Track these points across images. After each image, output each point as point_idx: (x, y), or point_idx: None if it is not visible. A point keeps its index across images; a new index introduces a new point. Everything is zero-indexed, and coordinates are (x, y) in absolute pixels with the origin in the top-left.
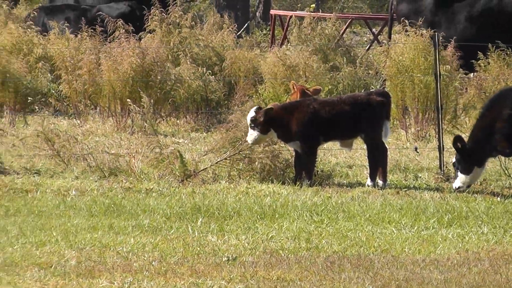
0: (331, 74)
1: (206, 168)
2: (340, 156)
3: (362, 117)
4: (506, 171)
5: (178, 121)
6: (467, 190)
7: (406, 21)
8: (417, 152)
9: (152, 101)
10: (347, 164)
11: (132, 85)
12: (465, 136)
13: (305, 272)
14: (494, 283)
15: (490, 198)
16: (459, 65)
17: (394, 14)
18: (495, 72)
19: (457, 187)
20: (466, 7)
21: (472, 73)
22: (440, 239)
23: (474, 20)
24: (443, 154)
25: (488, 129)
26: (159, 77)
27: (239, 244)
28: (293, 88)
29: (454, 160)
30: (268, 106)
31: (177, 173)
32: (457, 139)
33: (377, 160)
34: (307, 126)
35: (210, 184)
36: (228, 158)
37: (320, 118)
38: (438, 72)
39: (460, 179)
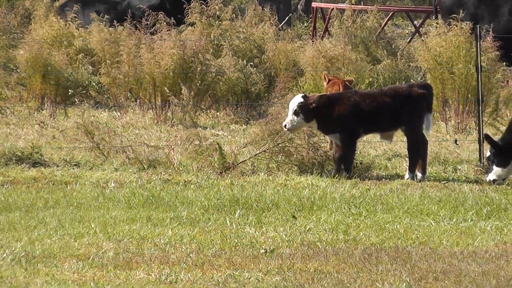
0: (372, 66)
1: (245, 160)
2: (379, 148)
3: (403, 110)
4: None
5: (217, 114)
6: (505, 183)
7: (437, 17)
8: (457, 144)
9: (192, 93)
10: (386, 157)
11: (173, 77)
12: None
13: (342, 264)
14: None
15: None
16: (499, 57)
17: (438, 7)
18: None
19: (492, 180)
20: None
21: None
22: (479, 231)
23: None
24: (483, 147)
25: None
26: (199, 69)
27: (277, 236)
28: (325, 79)
29: (489, 153)
30: (321, 93)
31: (215, 165)
32: (487, 138)
33: (417, 153)
34: (348, 119)
35: (248, 176)
36: (267, 151)
37: (361, 110)
38: (479, 64)
39: (496, 172)
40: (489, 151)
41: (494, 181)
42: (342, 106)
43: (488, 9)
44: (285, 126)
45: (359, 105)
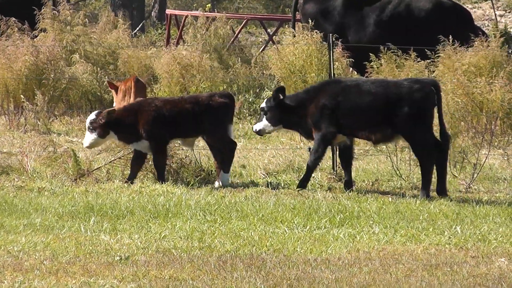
0: (226, 74)
1: (100, 167)
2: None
3: (204, 118)
4: (398, 172)
5: (72, 120)
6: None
7: (294, 27)
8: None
9: (46, 99)
10: (240, 164)
11: (26, 83)
12: None
13: (197, 271)
14: (384, 282)
15: (381, 198)
16: (349, 66)
17: (298, 14)
18: (386, 73)
19: (257, 130)
20: (375, 10)
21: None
22: (332, 238)
23: (383, 24)
24: (336, 155)
25: (303, 108)
26: (52, 76)
27: (131, 243)
28: (114, 86)
29: (264, 104)
30: (109, 109)
31: (70, 172)
32: (280, 90)
33: (228, 158)
34: (153, 125)
35: (103, 183)
36: (122, 157)
37: (163, 115)
38: (332, 73)
39: (264, 125)
40: (268, 103)
41: (259, 131)
42: (145, 113)
43: (354, 18)
44: (84, 144)
45: (161, 111)
